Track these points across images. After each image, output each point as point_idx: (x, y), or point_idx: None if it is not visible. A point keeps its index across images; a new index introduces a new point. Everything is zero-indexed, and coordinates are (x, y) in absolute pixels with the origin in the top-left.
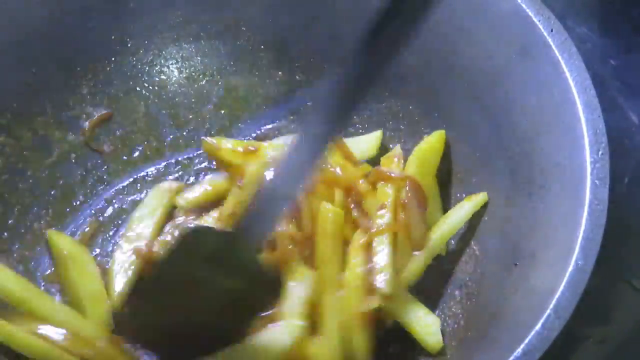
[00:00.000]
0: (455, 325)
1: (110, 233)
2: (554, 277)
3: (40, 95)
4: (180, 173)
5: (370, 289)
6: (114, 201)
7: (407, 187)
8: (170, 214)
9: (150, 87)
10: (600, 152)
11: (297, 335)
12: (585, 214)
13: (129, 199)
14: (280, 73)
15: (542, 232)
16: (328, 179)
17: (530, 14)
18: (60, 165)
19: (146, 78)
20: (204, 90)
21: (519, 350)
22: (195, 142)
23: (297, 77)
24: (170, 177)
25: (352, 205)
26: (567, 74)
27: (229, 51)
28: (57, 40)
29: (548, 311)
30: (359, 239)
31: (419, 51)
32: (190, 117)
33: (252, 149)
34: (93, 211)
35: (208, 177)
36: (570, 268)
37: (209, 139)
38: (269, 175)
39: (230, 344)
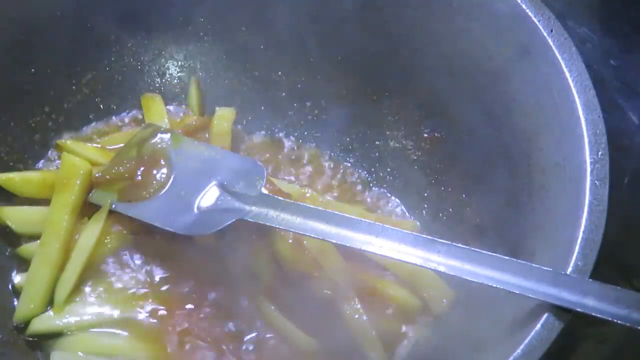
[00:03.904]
0: (457, 326)
1: None
2: None
3: (40, 96)
4: None
5: None
6: None
7: None
8: None
9: (151, 87)
10: (600, 153)
11: None
12: (585, 214)
13: None
14: (280, 73)
15: (542, 232)
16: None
17: (530, 14)
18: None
19: (146, 78)
20: (203, 90)
21: (519, 350)
22: None
23: (296, 77)
24: None
25: None
26: (567, 74)
27: (228, 51)
28: (57, 40)
29: (548, 311)
30: None
31: (419, 51)
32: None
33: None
34: None
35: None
36: (570, 268)
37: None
38: None
39: None
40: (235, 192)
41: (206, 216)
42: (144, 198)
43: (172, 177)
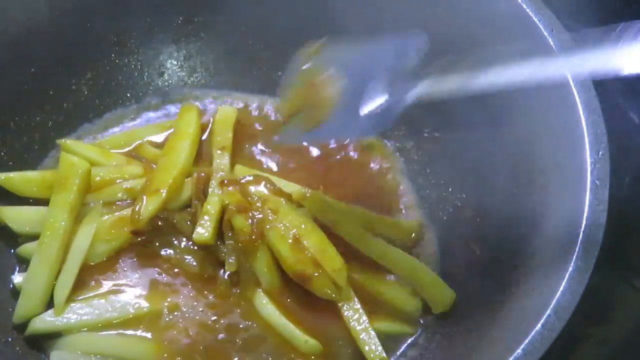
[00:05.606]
0: (457, 326)
1: None
2: (554, 277)
3: (40, 96)
4: None
5: None
6: None
7: None
8: None
9: (151, 87)
10: (600, 153)
11: None
12: (585, 214)
13: None
14: (280, 73)
15: (542, 232)
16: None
17: (530, 14)
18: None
19: (146, 78)
20: (204, 90)
21: (519, 350)
22: None
23: None
24: None
25: None
26: (567, 74)
27: (229, 51)
28: (57, 40)
29: (548, 311)
30: None
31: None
32: None
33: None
34: None
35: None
36: (570, 268)
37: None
38: None
39: None
40: (397, 80)
41: (373, 117)
42: (323, 120)
43: (341, 88)
